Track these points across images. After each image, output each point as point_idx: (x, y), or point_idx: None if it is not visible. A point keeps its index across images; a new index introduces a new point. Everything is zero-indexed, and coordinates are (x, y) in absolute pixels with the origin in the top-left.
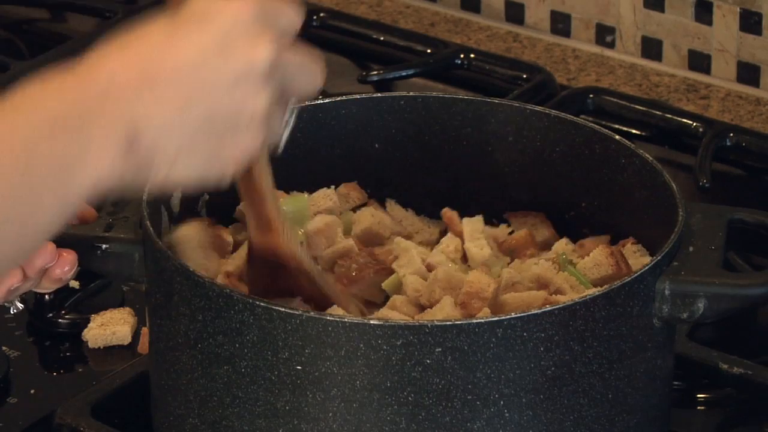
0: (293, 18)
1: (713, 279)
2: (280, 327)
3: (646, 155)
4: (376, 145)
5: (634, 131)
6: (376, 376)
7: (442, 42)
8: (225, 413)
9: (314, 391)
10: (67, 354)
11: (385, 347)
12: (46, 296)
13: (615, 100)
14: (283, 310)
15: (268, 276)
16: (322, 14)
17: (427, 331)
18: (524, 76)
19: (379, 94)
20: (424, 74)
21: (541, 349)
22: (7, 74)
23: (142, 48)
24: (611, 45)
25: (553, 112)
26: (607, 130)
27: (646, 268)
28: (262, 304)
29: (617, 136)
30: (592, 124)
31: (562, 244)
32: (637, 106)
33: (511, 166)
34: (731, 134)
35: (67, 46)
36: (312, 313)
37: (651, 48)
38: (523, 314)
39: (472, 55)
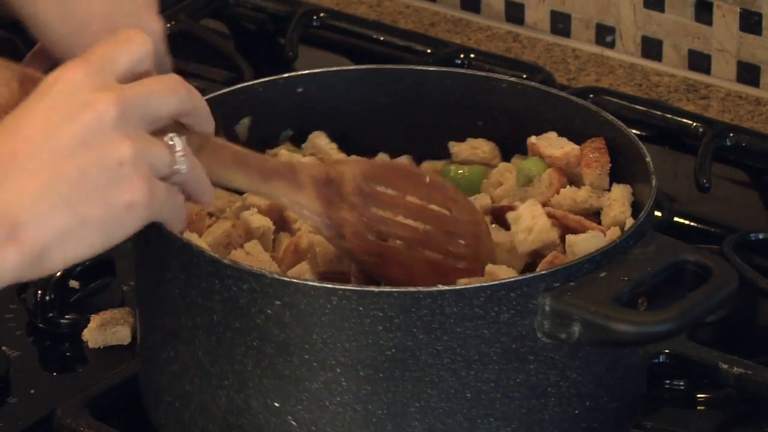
0: (133, 55)
1: (590, 306)
2: (170, 252)
3: (649, 161)
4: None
5: (634, 131)
6: (228, 315)
7: (442, 42)
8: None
9: (186, 317)
10: (67, 354)
11: (233, 288)
12: (46, 296)
13: (615, 100)
14: (170, 234)
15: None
16: (322, 14)
17: (267, 281)
18: (524, 76)
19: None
20: None
21: (380, 328)
22: None
23: None
24: (611, 45)
25: (579, 99)
26: (629, 130)
27: (518, 278)
28: (153, 230)
29: (632, 137)
30: (614, 119)
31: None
32: (637, 106)
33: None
34: (731, 134)
35: None
36: (183, 240)
37: (651, 48)
38: (358, 288)
39: (472, 55)
